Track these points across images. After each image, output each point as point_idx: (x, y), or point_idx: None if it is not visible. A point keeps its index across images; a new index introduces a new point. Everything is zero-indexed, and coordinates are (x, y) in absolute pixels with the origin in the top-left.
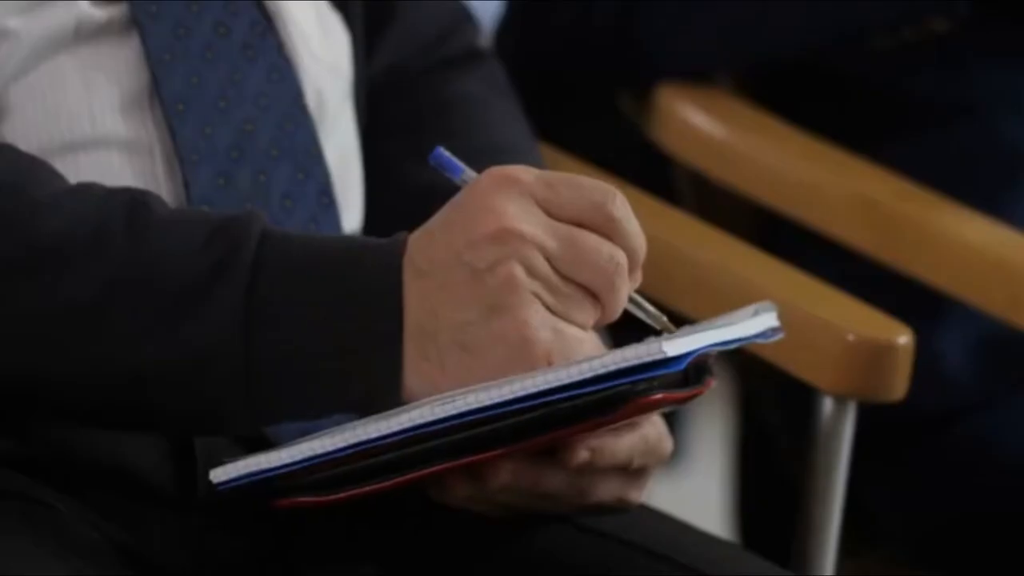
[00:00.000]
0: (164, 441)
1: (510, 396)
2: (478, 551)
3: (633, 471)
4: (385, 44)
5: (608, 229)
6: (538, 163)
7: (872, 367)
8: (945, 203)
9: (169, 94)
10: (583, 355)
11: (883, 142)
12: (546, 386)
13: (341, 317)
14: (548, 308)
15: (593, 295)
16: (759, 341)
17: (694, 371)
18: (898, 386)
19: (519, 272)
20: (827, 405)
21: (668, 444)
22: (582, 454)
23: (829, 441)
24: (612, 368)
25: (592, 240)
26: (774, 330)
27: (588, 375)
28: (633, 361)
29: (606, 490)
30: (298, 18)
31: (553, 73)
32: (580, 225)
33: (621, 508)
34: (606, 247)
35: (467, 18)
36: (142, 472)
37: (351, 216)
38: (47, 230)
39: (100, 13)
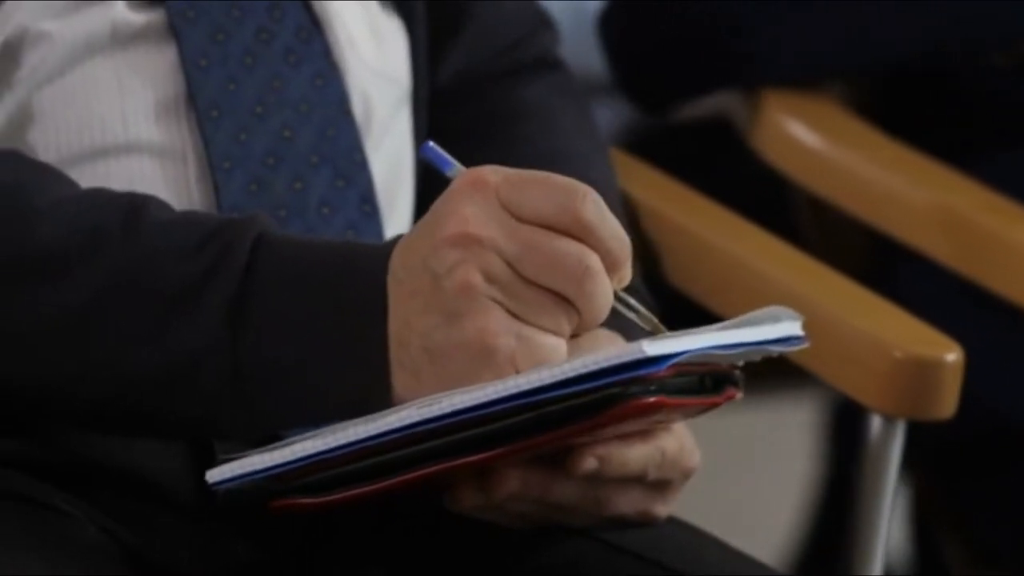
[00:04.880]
0: (181, 445)
1: (493, 396)
2: (493, 561)
3: (657, 484)
4: (457, 48)
5: (577, 231)
6: (605, 171)
7: (919, 385)
8: None
9: (203, 99)
10: (557, 360)
11: (996, 155)
12: (528, 387)
13: (329, 324)
14: (512, 314)
15: (566, 299)
16: (775, 349)
17: (711, 380)
18: (946, 404)
19: (475, 278)
20: (875, 423)
21: (694, 457)
22: (589, 462)
23: (877, 460)
24: (593, 368)
25: (557, 243)
26: (799, 339)
27: (569, 375)
28: (614, 360)
29: (627, 503)
30: (347, 22)
31: (656, 75)
32: (548, 227)
33: (645, 522)
34: (574, 250)
35: (544, 24)
36: (157, 476)
37: (398, 224)
38: (41, 237)
39: (137, 17)
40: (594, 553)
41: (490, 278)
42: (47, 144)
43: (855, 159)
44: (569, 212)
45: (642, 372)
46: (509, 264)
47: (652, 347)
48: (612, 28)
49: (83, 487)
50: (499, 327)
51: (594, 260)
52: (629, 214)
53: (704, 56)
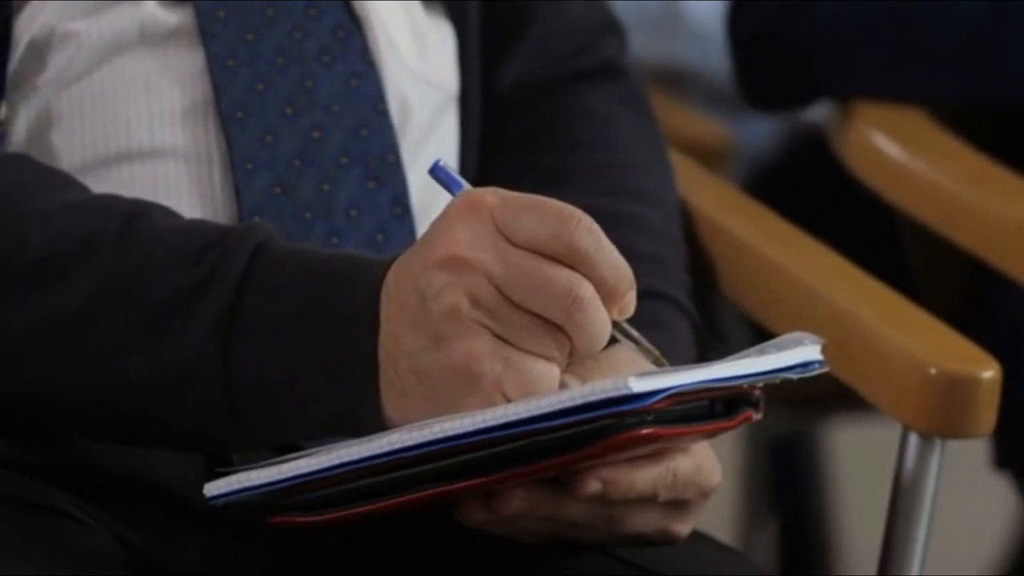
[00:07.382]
0: (199, 455)
1: (481, 425)
2: (504, 574)
3: (673, 503)
4: (517, 53)
5: (570, 258)
6: (664, 182)
7: (954, 403)
8: None
9: (228, 101)
10: (546, 387)
11: None
12: (516, 417)
13: (320, 336)
14: (500, 338)
15: (557, 326)
16: (791, 375)
17: (722, 404)
18: (984, 423)
19: (462, 301)
20: (912, 441)
21: (713, 476)
22: (593, 485)
23: (914, 480)
24: (580, 402)
25: (548, 270)
26: (818, 363)
27: (556, 408)
28: (600, 395)
29: (642, 521)
30: (388, 23)
31: (771, 78)
32: (542, 253)
33: (665, 540)
34: (564, 277)
35: (610, 30)
36: (172, 483)
37: None
38: (37, 242)
39: (168, 17)
40: (605, 567)
41: (476, 301)
42: (72, 146)
43: (934, 171)
44: (561, 239)
45: (627, 407)
46: (498, 288)
47: (639, 383)
48: (734, 26)
49: (96, 493)
50: (484, 351)
51: (585, 289)
52: (688, 224)
53: (817, 64)
